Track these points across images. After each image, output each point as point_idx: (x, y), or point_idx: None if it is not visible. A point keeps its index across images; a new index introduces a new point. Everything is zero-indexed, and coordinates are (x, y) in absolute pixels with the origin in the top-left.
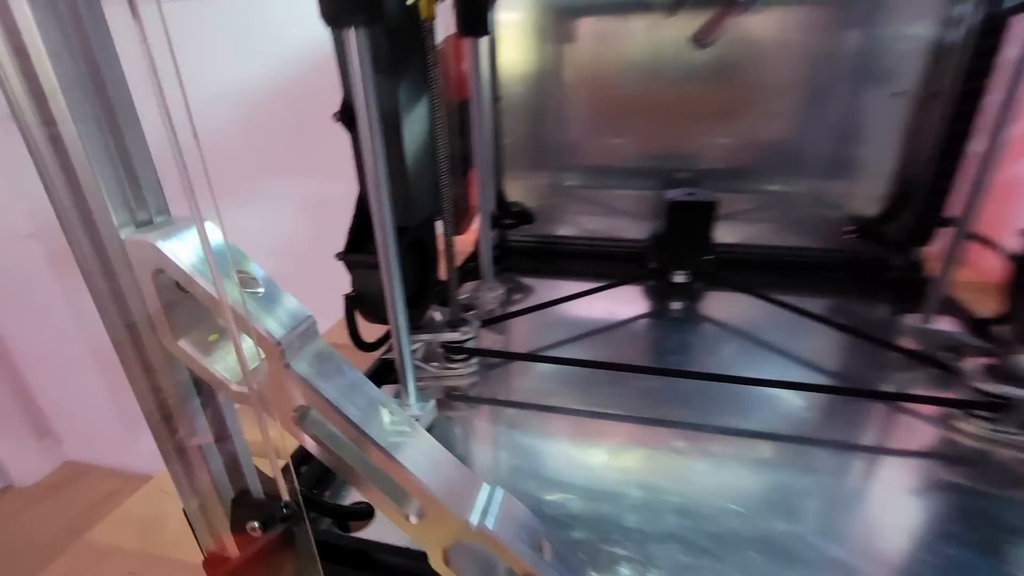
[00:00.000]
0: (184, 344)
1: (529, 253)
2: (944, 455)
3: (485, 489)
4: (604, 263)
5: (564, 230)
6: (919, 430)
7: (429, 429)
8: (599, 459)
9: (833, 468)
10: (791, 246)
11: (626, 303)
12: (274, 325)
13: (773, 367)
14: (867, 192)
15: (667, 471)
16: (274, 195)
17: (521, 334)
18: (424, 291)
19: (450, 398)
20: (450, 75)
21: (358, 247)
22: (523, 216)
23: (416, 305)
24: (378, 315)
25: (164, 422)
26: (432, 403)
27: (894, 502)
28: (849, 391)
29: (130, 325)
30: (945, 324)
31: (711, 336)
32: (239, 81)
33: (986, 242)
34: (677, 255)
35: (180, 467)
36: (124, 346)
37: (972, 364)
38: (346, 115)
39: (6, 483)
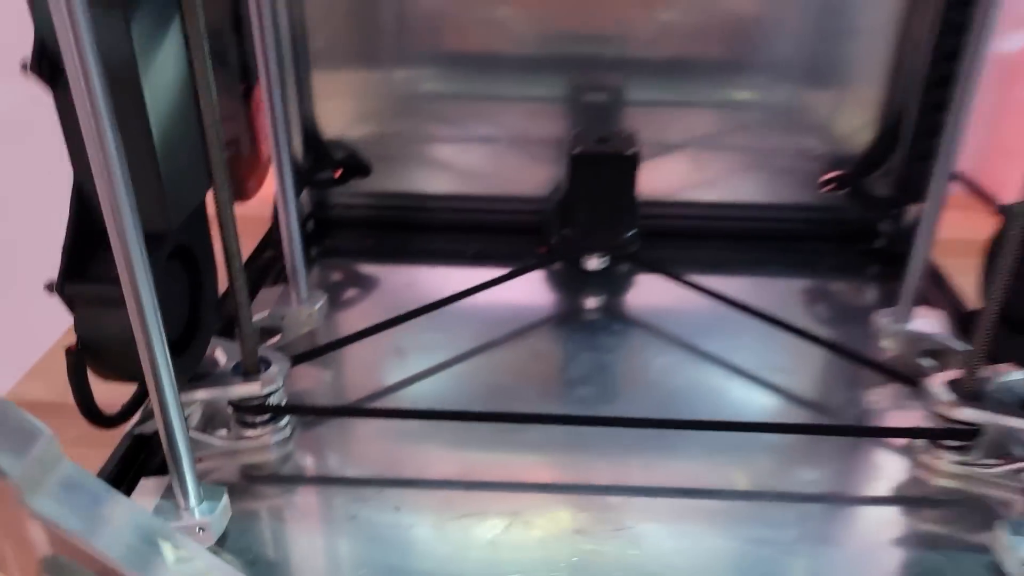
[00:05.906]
0: None
1: (363, 224)
2: (905, 498)
3: None
4: (484, 236)
5: (417, 182)
6: (884, 466)
7: (223, 540)
8: (480, 553)
9: (794, 520)
10: (751, 203)
11: (520, 299)
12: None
13: (714, 390)
14: (851, 118)
15: (577, 556)
16: None
17: (357, 366)
18: (196, 323)
19: (251, 482)
20: None
21: (80, 272)
22: (351, 165)
23: (185, 348)
24: (122, 370)
25: None
26: (224, 500)
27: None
28: (787, 428)
29: None
30: (925, 321)
31: (638, 348)
32: None
33: (980, 194)
34: (587, 231)
35: None
36: None
37: (938, 380)
38: (45, 62)
39: None
